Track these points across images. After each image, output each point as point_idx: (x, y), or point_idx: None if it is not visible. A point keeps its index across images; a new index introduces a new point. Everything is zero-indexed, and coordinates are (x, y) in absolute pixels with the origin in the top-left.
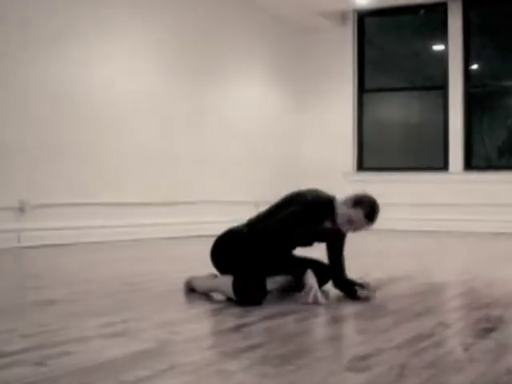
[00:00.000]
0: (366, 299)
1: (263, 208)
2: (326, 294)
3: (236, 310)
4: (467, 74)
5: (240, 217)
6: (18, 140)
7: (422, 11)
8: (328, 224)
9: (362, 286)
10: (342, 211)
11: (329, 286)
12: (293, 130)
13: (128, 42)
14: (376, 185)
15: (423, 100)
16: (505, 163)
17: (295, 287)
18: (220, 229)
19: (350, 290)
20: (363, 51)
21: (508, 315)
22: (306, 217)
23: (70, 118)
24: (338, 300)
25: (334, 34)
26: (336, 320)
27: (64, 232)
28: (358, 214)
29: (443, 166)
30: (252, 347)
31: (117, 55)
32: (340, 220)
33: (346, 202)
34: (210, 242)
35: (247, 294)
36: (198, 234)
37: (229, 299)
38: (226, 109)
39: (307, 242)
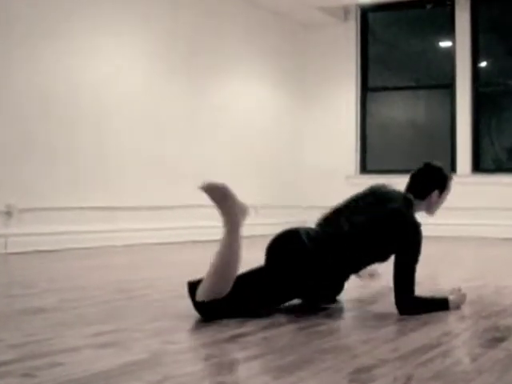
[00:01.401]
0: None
1: (265, 211)
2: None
3: (234, 319)
4: (475, 72)
5: None
6: (4, 141)
7: (429, 6)
8: None
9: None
10: (420, 210)
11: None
12: (293, 130)
13: (122, 40)
14: None
15: (429, 99)
16: None
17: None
18: (217, 234)
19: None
20: (367, 48)
21: None
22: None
23: (60, 118)
24: (340, 308)
25: (336, 31)
26: (338, 329)
27: (53, 237)
28: (434, 196)
29: (450, 168)
30: (250, 358)
31: (109, 53)
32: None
33: (416, 202)
34: (207, 248)
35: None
36: (194, 240)
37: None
38: (223, 109)
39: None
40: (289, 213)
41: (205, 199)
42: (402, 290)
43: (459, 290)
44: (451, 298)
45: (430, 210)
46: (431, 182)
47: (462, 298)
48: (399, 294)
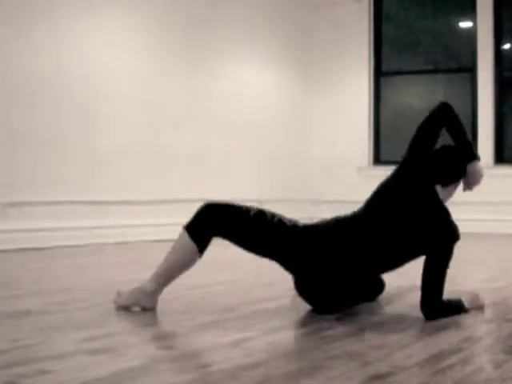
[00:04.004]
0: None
1: (269, 205)
2: None
3: (235, 322)
4: (499, 55)
5: None
6: None
7: None
8: None
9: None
10: (444, 196)
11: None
12: (300, 118)
13: (113, 18)
14: None
15: (448, 84)
16: None
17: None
18: None
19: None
20: (380, 29)
21: None
22: None
23: (46, 105)
24: (353, 311)
25: (347, 9)
26: (349, 334)
27: (41, 234)
28: (451, 191)
29: None
30: (254, 365)
31: (100, 35)
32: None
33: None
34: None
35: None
36: None
37: None
38: (223, 95)
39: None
40: (295, 207)
41: (204, 194)
42: (432, 295)
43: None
44: (464, 298)
45: (449, 198)
46: (457, 172)
47: (478, 299)
48: (428, 299)
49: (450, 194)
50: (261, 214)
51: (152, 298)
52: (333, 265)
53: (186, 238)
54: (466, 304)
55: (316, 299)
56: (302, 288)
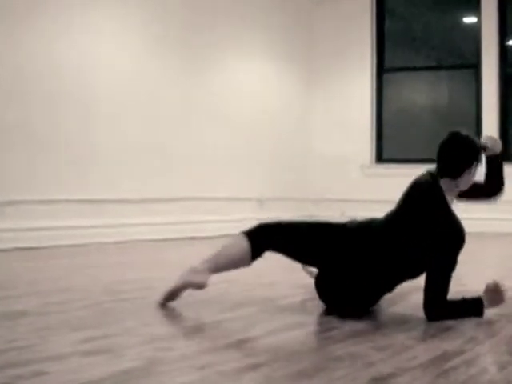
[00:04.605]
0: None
1: (269, 204)
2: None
3: (236, 323)
4: (503, 51)
5: (240, 216)
6: None
7: None
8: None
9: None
10: (454, 190)
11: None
12: (301, 116)
13: (112, 17)
14: (398, 179)
15: (452, 81)
16: None
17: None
18: (217, 229)
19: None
20: (383, 24)
21: None
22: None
23: (43, 103)
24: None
25: (349, 4)
26: (352, 335)
27: (37, 233)
28: (468, 177)
29: None
30: (255, 366)
31: (98, 31)
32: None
33: (445, 183)
34: (206, 244)
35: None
36: (193, 236)
37: None
38: (222, 93)
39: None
40: (296, 206)
41: (203, 193)
42: (434, 294)
43: (496, 285)
44: (485, 297)
45: (464, 187)
46: (465, 159)
47: (499, 296)
48: (430, 299)
49: (467, 184)
50: (311, 225)
51: (203, 274)
52: (353, 265)
53: (245, 240)
54: (486, 303)
55: (330, 296)
56: (320, 283)
